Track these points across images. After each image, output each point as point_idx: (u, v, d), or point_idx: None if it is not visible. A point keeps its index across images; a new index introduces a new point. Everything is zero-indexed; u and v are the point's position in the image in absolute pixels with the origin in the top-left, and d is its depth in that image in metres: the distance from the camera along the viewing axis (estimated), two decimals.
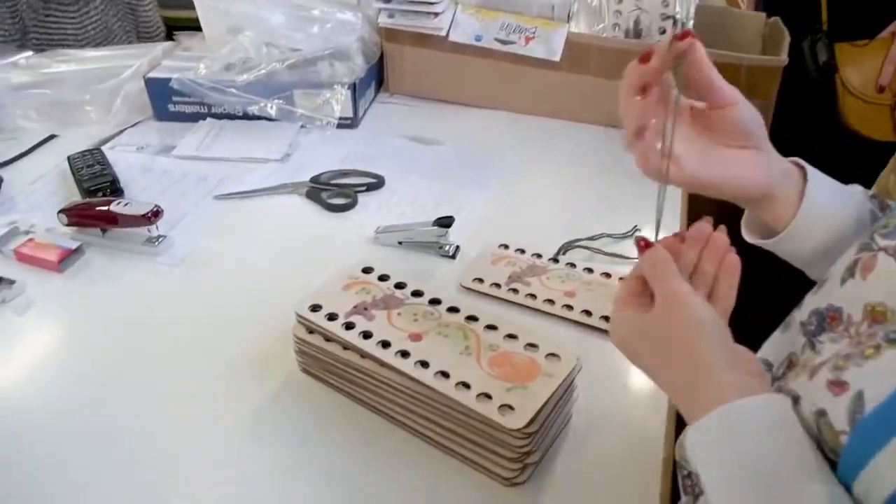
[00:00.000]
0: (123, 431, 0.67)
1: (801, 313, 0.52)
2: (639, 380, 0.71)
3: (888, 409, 0.36)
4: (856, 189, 0.58)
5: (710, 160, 0.53)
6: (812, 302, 0.51)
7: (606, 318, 0.77)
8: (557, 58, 1.16)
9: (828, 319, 0.48)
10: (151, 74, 1.19)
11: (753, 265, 0.70)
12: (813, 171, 0.56)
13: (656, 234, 0.56)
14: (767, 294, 0.71)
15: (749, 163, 0.54)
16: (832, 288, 0.49)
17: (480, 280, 0.83)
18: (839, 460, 0.39)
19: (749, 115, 0.53)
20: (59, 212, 0.89)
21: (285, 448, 0.65)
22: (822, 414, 0.41)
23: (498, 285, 0.82)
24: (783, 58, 1.05)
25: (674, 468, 0.62)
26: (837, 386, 0.40)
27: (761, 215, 0.57)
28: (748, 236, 0.61)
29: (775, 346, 0.54)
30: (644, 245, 0.54)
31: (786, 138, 0.68)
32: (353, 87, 1.17)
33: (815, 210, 0.54)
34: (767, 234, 0.57)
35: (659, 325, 0.50)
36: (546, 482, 0.61)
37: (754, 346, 0.57)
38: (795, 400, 0.43)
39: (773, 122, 1.06)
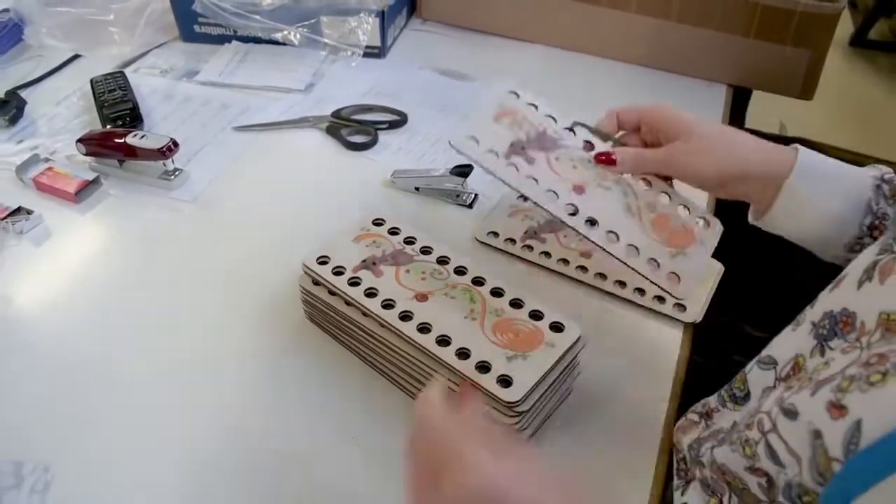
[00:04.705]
0: (128, 365, 0.68)
1: (814, 313, 0.49)
2: (645, 354, 0.69)
3: (881, 450, 0.34)
4: (861, 173, 0.58)
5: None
6: (826, 302, 0.48)
7: (622, 283, 0.75)
8: None
9: (840, 324, 0.45)
10: None
11: (771, 253, 0.69)
12: (805, 158, 0.57)
13: None
14: (785, 285, 0.70)
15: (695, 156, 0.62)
16: (848, 290, 0.46)
17: (495, 234, 0.81)
18: (825, 488, 0.37)
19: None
20: (78, 141, 0.89)
21: (284, 395, 0.66)
22: (818, 435, 0.39)
23: (513, 241, 0.80)
24: (841, 3, 0.97)
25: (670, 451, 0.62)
26: (837, 409, 0.38)
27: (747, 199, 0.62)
28: (751, 216, 0.63)
29: (784, 343, 0.52)
30: None
31: None
32: (382, 15, 1.13)
33: (796, 202, 0.57)
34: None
35: None
36: None
37: (766, 339, 0.55)
38: (794, 415, 0.41)
39: None
